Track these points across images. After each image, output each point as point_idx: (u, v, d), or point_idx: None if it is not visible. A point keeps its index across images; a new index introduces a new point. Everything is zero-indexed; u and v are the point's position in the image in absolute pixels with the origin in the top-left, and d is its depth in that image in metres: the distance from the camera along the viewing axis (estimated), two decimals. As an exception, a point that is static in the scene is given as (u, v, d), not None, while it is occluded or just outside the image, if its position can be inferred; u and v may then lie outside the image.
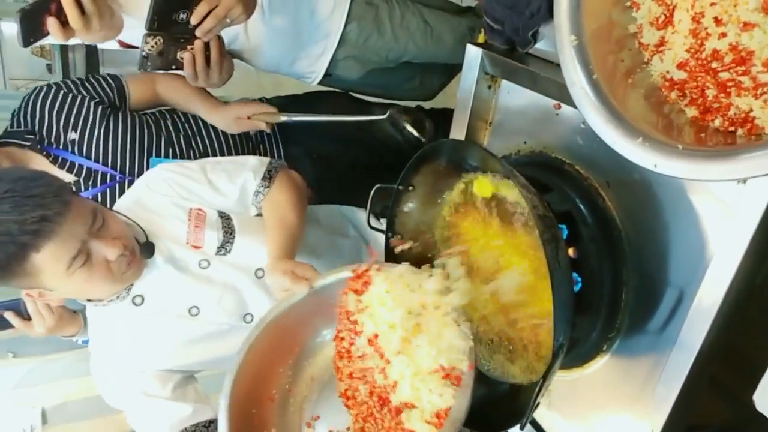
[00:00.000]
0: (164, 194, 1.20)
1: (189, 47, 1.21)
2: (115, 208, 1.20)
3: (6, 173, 1.01)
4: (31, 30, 1.09)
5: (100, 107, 1.33)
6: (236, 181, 1.24)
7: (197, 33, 1.19)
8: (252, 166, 1.27)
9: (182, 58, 1.22)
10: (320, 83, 1.65)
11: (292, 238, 1.15)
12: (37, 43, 1.13)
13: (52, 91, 1.35)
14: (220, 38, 1.25)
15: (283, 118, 1.32)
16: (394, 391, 0.84)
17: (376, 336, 0.86)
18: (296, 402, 0.98)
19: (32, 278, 1.00)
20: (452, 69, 1.72)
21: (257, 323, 1.01)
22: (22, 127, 1.34)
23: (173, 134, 1.42)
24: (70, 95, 1.34)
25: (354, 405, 0.91)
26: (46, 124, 1.33)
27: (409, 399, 0.82)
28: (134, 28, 1.41)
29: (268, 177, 1.25)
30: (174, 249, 1.16)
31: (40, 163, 1.31)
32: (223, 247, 1.18)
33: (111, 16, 1.19)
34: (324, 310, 1.02)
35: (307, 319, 1.03)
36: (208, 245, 1.17)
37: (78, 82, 1.40)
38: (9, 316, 1.43)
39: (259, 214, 1.27)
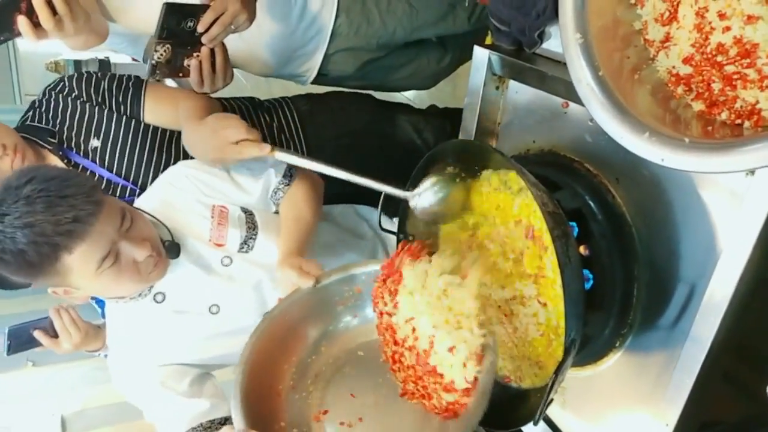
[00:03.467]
0: (187, 191, 1.21)
1: (195, 54, 1.23)
2: (138, 205, 1.21)
3: (38, 172, 1.01)
4: (1, 29, 1.09)
5: (124, 119, 1.32)
6: (259, 177, 1.25)
7: (203, 40, 1.21)
8: (273, 162, 1.27)
9: (189, 65, 1.24)
10: (315, 83, 1.66)
11: (304, 235, 1.17)
12: (8, 41, 1.12)
13: (74, 94, 1.31)
14: (223, 45, 1.27)
15: (277, 154, 1.10)
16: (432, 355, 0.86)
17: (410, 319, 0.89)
18: (302, 398, 0.98)
19: (61, 277, 1.02)
20: (447, 53, 1.72)
21: (263, 318, 1.01)
22: (43, 123, 1.32)
23: None
24: (89, 104, 1.31)
25: (401, 368, 0.92)
26: (67, 124, 1.31)
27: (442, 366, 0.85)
28: (121, 35, 1.43)
29: (289, 175, 1.26)
30: (197, 247, 1.17)
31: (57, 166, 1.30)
32: (246, 244, 1.19)
33: (86, 20, 1.18)
34: (327, 308, 1.04)
35: (310, 316, 1.04)
36: (231, 243, 1.18)
37: (99, 91, 1.34)
38: (38, 334, 1.48)
39: (277, 212, 1.29)
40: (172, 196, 1.22)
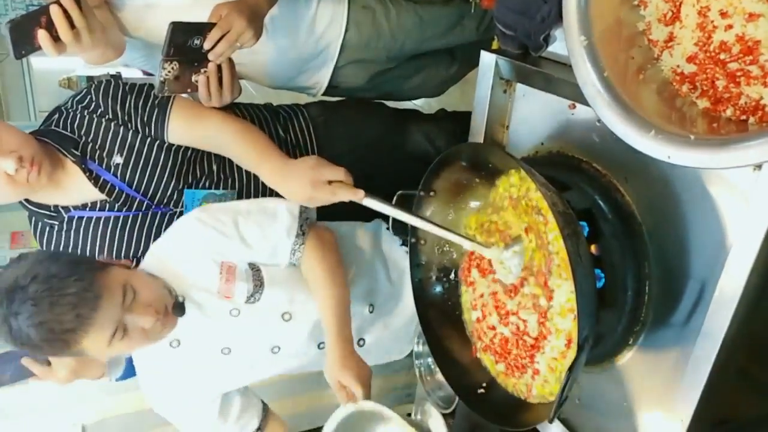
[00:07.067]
0: (197, 248, 1.25)
1: (203, 70, 1.26)
2: (144, 266, 1.26)
3: (40, 268, 1.06)
4: (22, 42, 1.12)
5: (148, 140, 1.34)
6: (268, 236, 1.26)
7: (210, 57, 1.24)
8: (284, 221, 1.27)
9: (196, 81, 1.27)
10: (326, 95, 1.67)
11: (349, 316, 1.22)
12: (30, 56, 1.14)
13: (100, 110, 1.32)
14: (230, 60, 1.30)
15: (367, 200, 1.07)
16: None
17: None
18: None
19: (78, 355, 1.12)
20: (455, 61, 1.74)
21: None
22: (68, 131, 1.34)
23: (213, 167, 1.42)
24: (114, 122, 1.32)
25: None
26: (91, 137, 1.33)
27: None
28: (137, 50, 1.45)
29: (302, 233, 1.27)
30: (206, 298, 1.23)
31: (75, 176, 1.31)
32: (253, 297, 1.24)
33: (102, 33, 1.22)
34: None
35: None
36: (238, 296, 1.23)
37: (125, 109, 1.34)
38: (27, 362, 1.24)
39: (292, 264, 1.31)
40: (182, 250, 1.26)
